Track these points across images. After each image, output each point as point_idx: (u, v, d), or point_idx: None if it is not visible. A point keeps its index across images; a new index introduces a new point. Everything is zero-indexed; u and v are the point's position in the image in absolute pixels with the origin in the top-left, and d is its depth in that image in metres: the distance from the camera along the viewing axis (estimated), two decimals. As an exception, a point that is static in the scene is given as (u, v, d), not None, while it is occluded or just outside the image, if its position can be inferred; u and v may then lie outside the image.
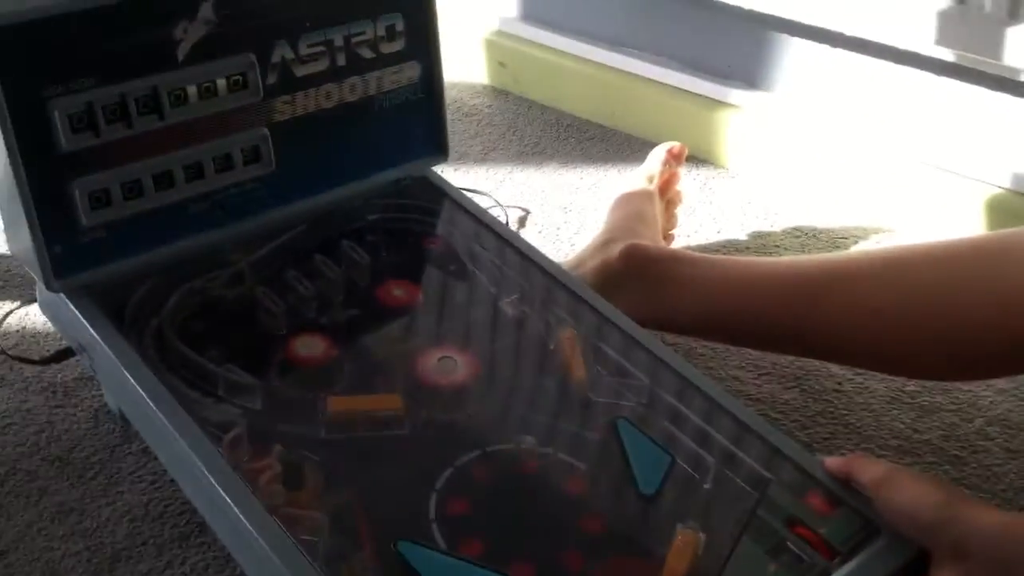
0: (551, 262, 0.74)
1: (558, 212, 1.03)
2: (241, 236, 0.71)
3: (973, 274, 0.66)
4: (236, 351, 0.65)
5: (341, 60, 0.72)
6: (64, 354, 0.74)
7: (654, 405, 0.65)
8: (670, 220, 0.94)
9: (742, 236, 1.00)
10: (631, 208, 0.87)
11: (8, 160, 0.61)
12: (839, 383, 0.81)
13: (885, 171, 1.02)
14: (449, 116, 0.80)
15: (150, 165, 0.66)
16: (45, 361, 0.76)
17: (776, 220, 1.02)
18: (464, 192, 0.80)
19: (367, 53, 0.73)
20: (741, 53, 1.11)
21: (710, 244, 0.98)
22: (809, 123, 1.07)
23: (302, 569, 0.52)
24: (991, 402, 0.79)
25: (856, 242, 0.99)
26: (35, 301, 0.77)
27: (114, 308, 0.65)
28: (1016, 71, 0.91)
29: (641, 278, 0.76)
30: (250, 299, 0.69)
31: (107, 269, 0.66)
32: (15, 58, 0.60)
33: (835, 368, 0.82)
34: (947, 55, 0.95)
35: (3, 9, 0.59)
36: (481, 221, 0.77)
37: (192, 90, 0.66)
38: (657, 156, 0.93)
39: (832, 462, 0.60)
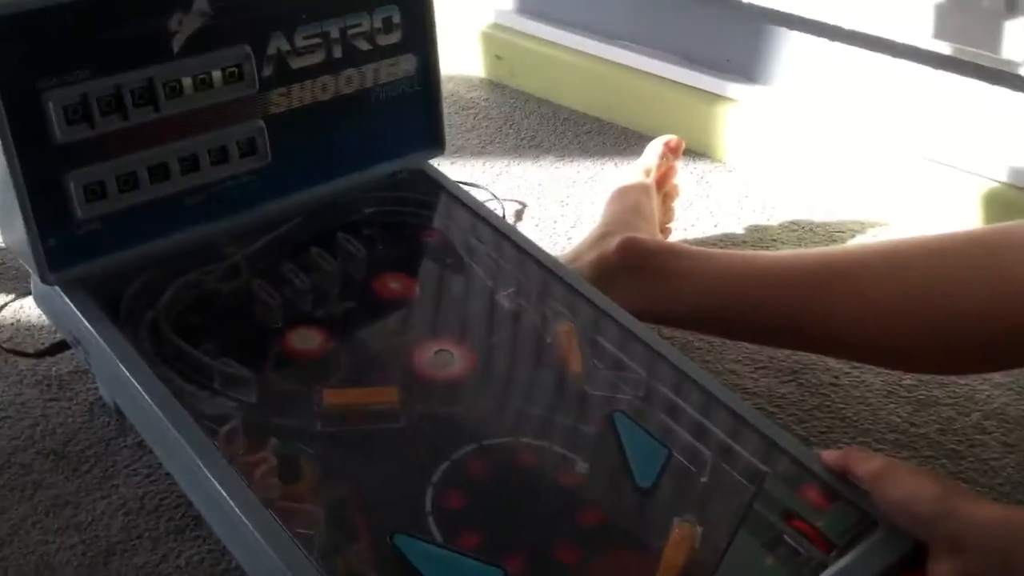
0: (548, 255, 0.74)
1: (555, 205, 1.03)
2: (237, 229, 0.71)
3: (971, 267, 0.66)
4: (232, 344, 0.65)
5: (337, 52, 0.72)
6: (59, 347, 0.74)
7: (651, 398, 0.65)
8: (667, 214, 0.94)
9: (739, 230, 1.00)
10: (628, 202, 0.87)
11: (2, 152, 0.61)
12: (836, 377, 0.81)
13: (882, 165, 1.01)
14: (446, 109, 0.80)
15: (145, 157, 0.66)
16: (40, 354, 0.76)
17: (773, 214, 1.02)
18: (461, 185, 0.80)
19: (363, 45, 0.73)
20: (739, 47, 1.11)
21: (707, 238, 0.98)
22: (807, 117, 1.07)
23: (298, 562, 0.52)
24: (988, 396, 0.79)
25: (853, 236, 0.99)
26: (30, 294, 0.77)
27: (109, 301, 0.65)
28: (1014, 64, 0.91)
29: (638, 271, 0.76)
30: (246, 292, 0.69)
31: (102, 262, 0.66)
32: (9, 50, 0.59)
33: (832, 362, 0.82)
34: (945, 48, 0.95)
35: (-3, 0, 0.59)
36: (478, 214, 0.77)
37: (187, 82, 0.66)
38: (654, 150, 0.92)
39: (829, 456, 0.60)
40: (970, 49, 0.93)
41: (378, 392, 0.65)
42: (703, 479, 0.60)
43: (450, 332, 0.70)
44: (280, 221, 0.73)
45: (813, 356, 0.82)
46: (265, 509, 0.54)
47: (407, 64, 0.76)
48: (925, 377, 0.80)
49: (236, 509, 0.54)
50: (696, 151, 1.11)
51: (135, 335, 0.64)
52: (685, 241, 0.97)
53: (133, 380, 0.61)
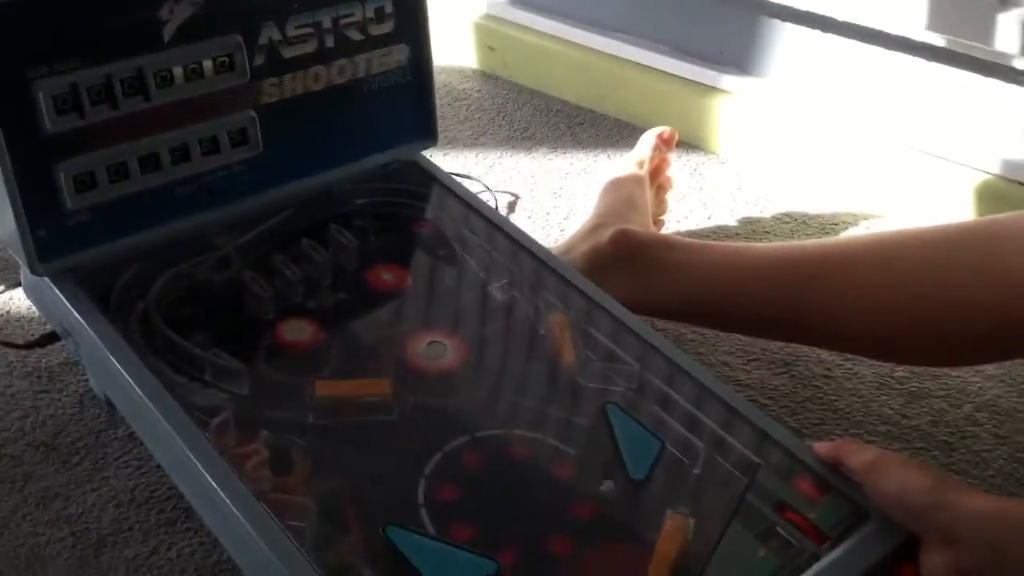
0: (541, 247, 0.74)
1: (548, 197, 1.03)
2: (228, 220, 0.70)
3: (964, 259, 0.66)
4: (223, 336, 0.65)
5: (329, 42, 0.71)
6: (49, 338, 0.74)
7: (644, 390, 0.65)
8: (660, 205, 0.93)
9: (732, 222, 1.00)
10: (621, 193, 0.87)
11: (-9, 142, 0.60)
12: (828, 369, 0.81)
13: (875, 157, 1.01)
14: (438, 100, 0.80)
15: (136, 147, 0.65)
16: (29, 345, 0.75)
17: (766, 206, 1.02)
18: (453, 177, 0.80)
19: (355, 35, 0.73)
20: (733, 38, 1.11)
21: (700, 229, 0.98)
22: (800, 109, 1.07)
23: (289, 555, 0.52)
24: (980, 388, 0.79)
25: (846, 228, 0.99)
26: (19, 285, 0.76)
27: (99, 292, 0.65)
28: (1007, 56, 0.91)
29: (631, 263, 0.76)
30: (237, 283, 0.69)
31: (92, 253, 0.66)
32: (-2, 38, 0.59)
33: (824, 354, 0.82)
34: (938, 40, 0.95)
35: (-15, -12, 0.58)
36: (470, 206, 0.77)
37: (178, 71, 0.65)
38: (647, 141, 0.92)
39: (821, 447, 0.60)
40: (963, 41, 0.93)
41: (370, 384, 0.64)
42: (696, 471, 0.60)
43: (443, 324, 0.70)
44: (272, 212, 0.72)
45: (806, 348, 0.82)
46: (257, 501, 0.54)
47: (399, 54, 0.75)
48: (917, 369, 0.80)
49: (227, 501, 0.54)
50: (689, 143, 1.11)
51: (125, 326, 0.64)
52: (678, 233, 0.97)
53: (123, 372, 0.60)
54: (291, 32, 0.69)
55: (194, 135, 0.67)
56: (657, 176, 0.92)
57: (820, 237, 0.97)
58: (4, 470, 0.69)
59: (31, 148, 0.62)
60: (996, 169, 0.95)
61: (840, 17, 1.00)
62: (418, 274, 0.74)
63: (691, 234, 0.97)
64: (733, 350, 0.82)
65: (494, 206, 0.95)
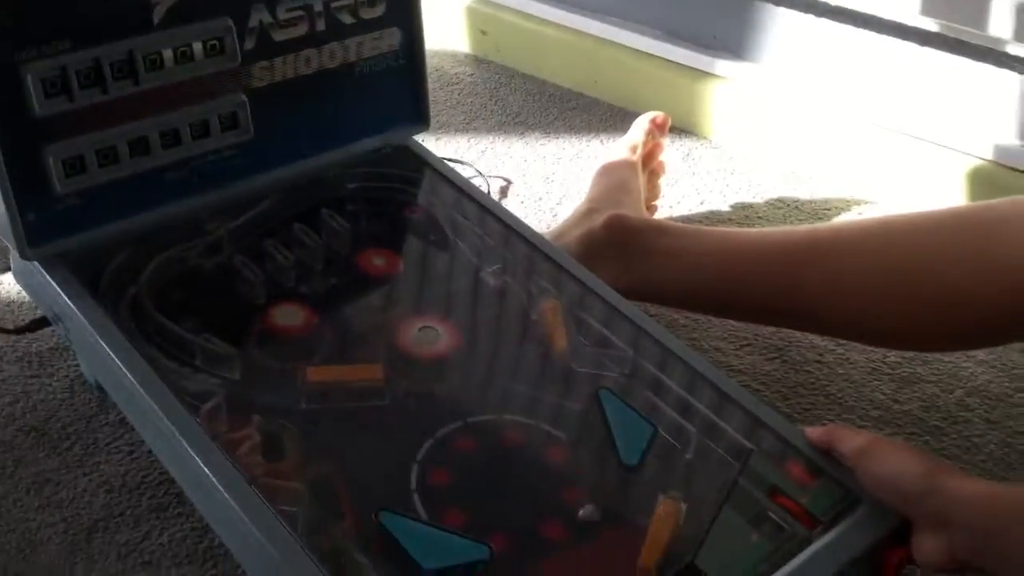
0: (533, 232, 0.74)
1: (540, 182, 1.03)
2: (219, 204, 0.70)
3: (957, 245, 0.66)
4: (214, 321, 0.64)
5: (320, 25, 0.71)
6: (39, 323, 0.73)
7: (637, 376, 0.65)
8: (653, 191, 0.93)
9: (725, 207, 1.00)
10: (614, 178, 0.87)
11: (-20, 126, 0.60)
12: (820, 354, 0.81)
13: (868, 142, 1.01)
14: (430, 85, 0.79)
15: (125, 131, 0.65)
16: (20, 331, 0.75)
17: (759, 191, 1.02)
18: (445, 162, 0.79)
19: (347, 18, 0.72)
20: (726, 23, 1.10)
21: (693, 215, 0.98)
22: (793, 94, 1.06)
23: (282, 540, 0.52)
24: (971, 373, 0.79)
25: (839, 213, 0.99)
26: (9, 270, 0.76)
27: (89, 277, 0.64)
28: (1000, 42, 0.91)
29: (624, 249, 0.76)
30: (228, 268, 0.68)
31: (82, 237, 0.65)
32: (-14, 21, 0.58)
33: (816, 339, 0.82)
34: (932, 25, 0.95)
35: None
36: (463, 190, 0.76)
37: (168, 54, 0.65)
38: (640, 126, 0.92)
39: (813, 432, 0.60)
40: (956, 26, 0.93)
41: (362, 369, 0.64)
42: (688, 456, 0.60)
43: (435, 309, 0.69)
44: (263, 196, 0.72)
45: (798, 333, 0.82)
46: (248, 486, 0.54)
47: (391, 38, 0.75)
48: (909, 354, 0.80)
49: (219, 486, 0.54)
50: (682, 128, 1.11)
51: (116, 311, 0.63)
52: (671, 218, 0.96)
53: (114, 357, 0.60)
54: (282, 15, 0.69)
55: (184, 119, 0.67)
56: (650, 161, 0.92)
57: (812, 223, 0.97)
58: (-6, 456, 0.69)
59: (20, 132, 0.61)
60: (989, 155, 0.95)
61: (833, 2, 1.00)
62: (410, 259, 0.74)
63: (684, 219, 0.97)
64: (725, 335, 0.82)
65: (486, 191, 0.95)
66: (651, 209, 0.92)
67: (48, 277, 0.64)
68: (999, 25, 0.91)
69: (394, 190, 0.77)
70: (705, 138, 1.11)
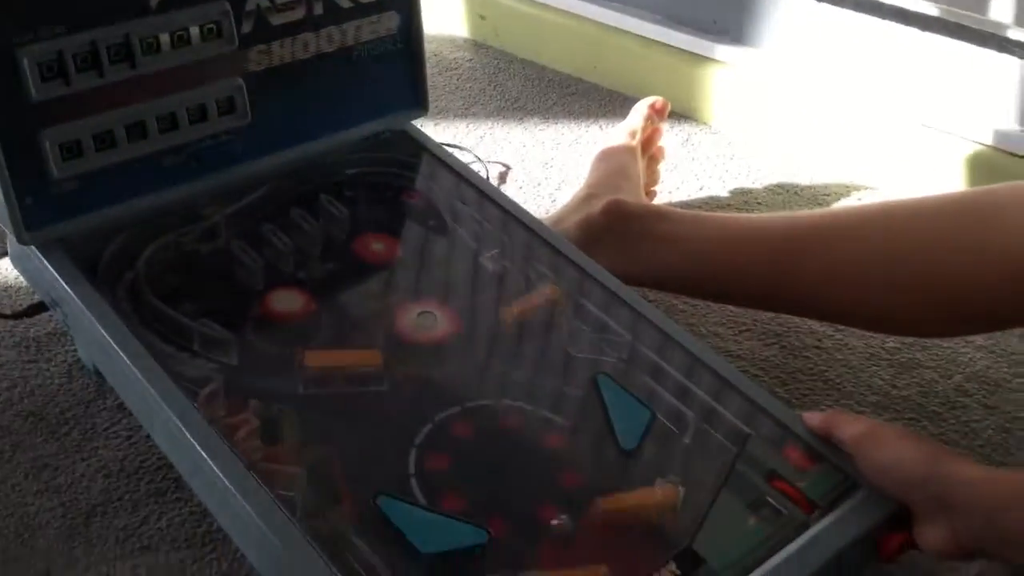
0: (532, 217, 0.74)
1: (539, 167, 1.02)
2: (217, 189, 0.70)
3: (957, 231, 0.66)
4: (212, 306, 0.64)
5: (318, 9, 0.70)
6: (37, 308, 0.73)
7: (635, 361, 0.65)
8: (652, 176, 0.93)
9: (724, 193, 0.99)
10: (613, 164, 0.87)
11: (-24, 110, 0.59)
12: (819, 340, 0.81)
13: (868, 128, 1.01)
14: (429, 70, 0.79)
15: (122, 115, 0.65)
16: (17, 315, 0.75)
17: (758, 177, 1.02)
18: (444, 147, 0.79)
19: (345, 2, 0.72)
20: (726, 8, 1.10)
21: (692, 200, 0.98)
22: (793, 79, 1.06)
23: (280, 524, 0.52)
24: (970, 359, 0.79)
25: (838, 199, 0.99)
26: (6, 255, 0.75)
27: (87, 262, 0.64)
28: (1001, 26, 0.91)
29: (623, 234, 0.76)
30: (226, 253, 0.68)
31: (79, 222, 0.65)
32: (-19, 5, 0.58)
33: (815, 325, 0.82)
34: (932, 10, 0.94)
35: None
36: (461, 176, 0.76)
37: (164, 38, 0.64)
38: (640, 111, 0.92)
39: (812, 418, 0.60)
40: (957, 11, 0.93)
41: (360, 354, 0.64)
42: (686, 440, 0.60)
43: (433, 294, 0.69)
44: (261, 182, 0.72)
45: (796, 319, 0.82)
46: (247, 471, 0.54)
47: (389, 22, 0.74)
48: (908, 340, 0.80)
49: (217, 471, 0.54)
50: (682, 113, 1.10)
51: (113, 296, 0.63)
52: (670, 204, 0.96)
53: (112, 342, 0.60)
54: (279, -1, 0.68)
55: (181, 103, 0.66)
56: (649, 146, 0.92)
57: (812, 208, 0.97)
58: (-7, 440, 0.69)
59: (16, 116, 0.61)
60: (989, 140, 0.95)
61: (834, -14, 0.99)
62: (408, 245, 0.74)
63: (683, 205, 0.97)
64: (724, 321, 0.82)
65: (485, 177, 0.95)
66: (650, 194, 0.92)
67: (45, 262, 0.64)
68: (1000, 10, 0.90)
69: (392, 175, 0.77)
70: (704, 123, 1.11)
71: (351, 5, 0.72)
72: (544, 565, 0.52)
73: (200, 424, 0.56)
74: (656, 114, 0.92)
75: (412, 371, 0.64)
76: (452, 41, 1.28)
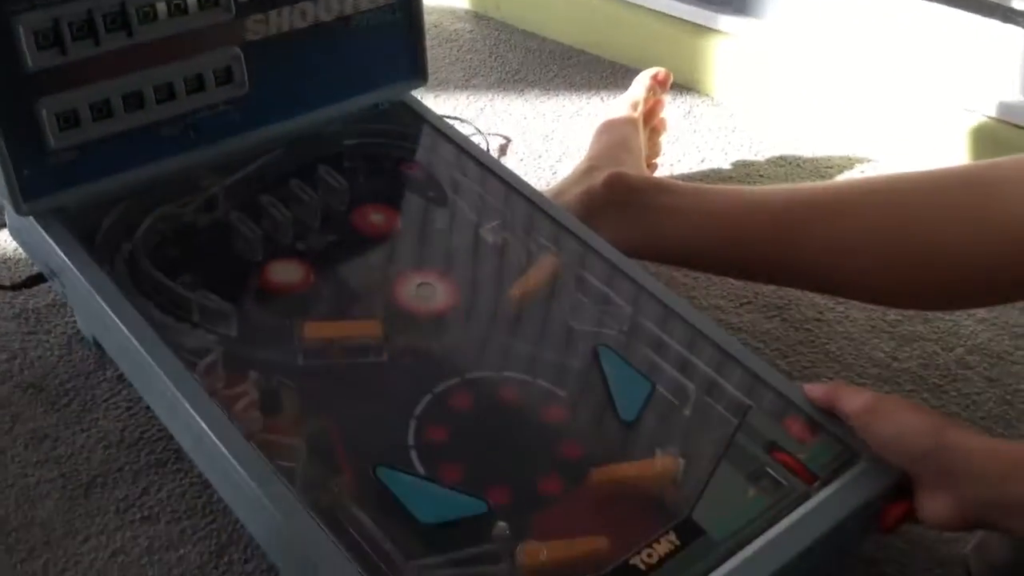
0: (533, 189, 0.73)
1: (540, 140, 1.02)
2: (215, 160, 0.69)
3: (961, 204, 0.65)
4: (211, 277, 0.64)
5: (316, -23, 0.70)
6: (35, 279, 0.73)
7: (636, 333, 0.64)
8: (654, 148, 0.92)
9: (726, 165, 0.99)
10: (615, 136, 0.86)
11: (-29, 79, 0.59)
12: (820, 312, 0.80)
13: (871, 100, 1.00)
14: (429, 41, 0.78)
15: (119, 85, 0.64)
16: (16, 287, 0.75)
17: (761, 149, 1.01)
18: (444, 119, 0.79)
19: (343, -29, 0.71)
20: (728, -22, 1.09)
21: (694, 173, 0.97)
22: (795, 51, 1.05)
23: (279, 495, 0.52)
24: (971, 331, 0.79)
25: (841, 172, 0.98)
26: (4, 226, 0.75)
27: (85, 232, 0.64)
28: (1006, -3, 0.90)
29: (624, 207, 0.75)
30: (225, 224, 0.68)
31: (77, 192, 0.65)
32: (-25, -29, 0.57)
33: (816, 298, 0.81)
34: (937, -20, 0.93)
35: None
36: (461, 147, 0.76)
37: (161, 7, 0.64)
38: (642, 82, 0.91)
39: (814, 390, 0.60)
40: (962, -19, 0.92)
41: (360, 325, 0.64)
42: (686, 412, 0.60)
43: (433, 266, 0.69)
44: (259, 152, 0.71)
45: (797, 292, 0.81)
46: (246, 442, 0.54)
47: (389, -9, 0.74)
48: (909, 312, 0.80)
49: (217, 442, 0.54)
50: (684, 85, 1.09)
51: (112, 267, 0.63)
52: (672, 176, 0.96)
53: (111, 313, 0.60)
54: (277, -34, 0.68)
55: (178, 73, 0.66)
56: (651, 118, 0.91)
57: (814, 181, 0.96)
58: (-7, 412, 0.69)
59: (12, 85, 0.60)
60: (993, 112, 0.94)
61: (838, -44, 0.98)
62: (408, 216, 0.73)
63: (685, 177, 0.96)
64: (725, 293, 0.82)
65: (485, 149, 0.94)
66: (652, 167, 0.91)
67: (43, 233, 0.64)
68: (1006, -20, 0.89)
69: (392, 147, 0.76)
70: (707, 95, 1.10)
71: (350, -27, 0.71)
72: (543, 535, 0.52)
73: (200, 395, 0.56)
74: (658, 85, 0.91)
75: (411, 342, 0.64)
76: (452, 12, 1.27)
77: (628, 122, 0.87)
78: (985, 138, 0.94)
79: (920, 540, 0.63)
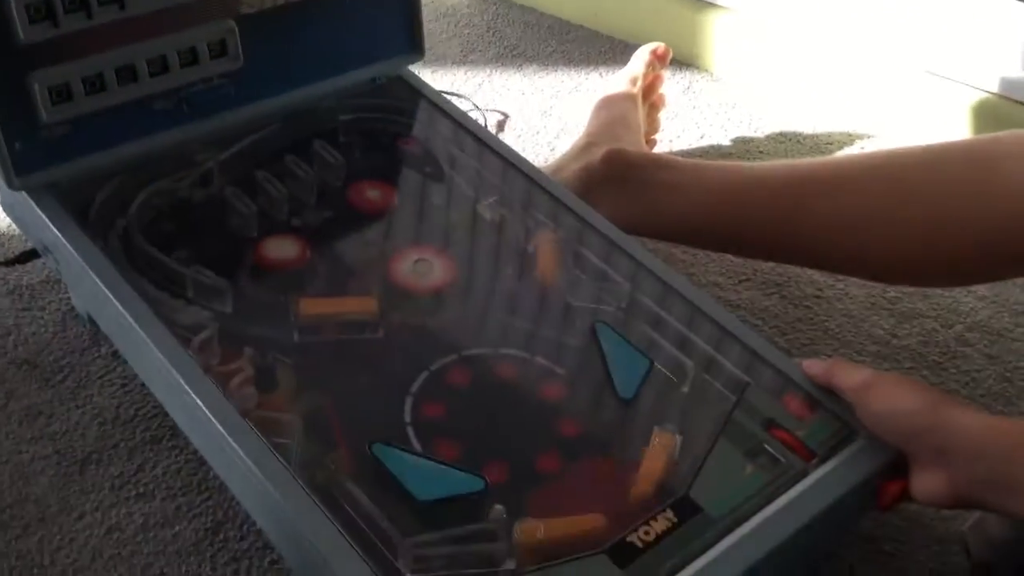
0: (531, 166, 0.73)
1: (538, 116, 1.01)
2: (210, 135, 0.69)
3: (960, 180, 0.65)
4: (205, 253, 0.64)
5: (312, -51, 0.69)
6: (29, 255, 0.72)
7: (634, 309, 0.64)
8: (652, 124, 0.92)
9: (725, 141, 0.98)
10: (613, 112, 0.85)
11: (-38, 52, 0.58)
12: (819, 289, 0.80)
13: (871, 75, 0.99)
14: (426, 16, 0.77)
15: (112, 58, 0.63)
16: (9, 263, 0.74)
17: (760, 125, 1.00)
18: (441, 94, 0.78)
19: (339, -57, 0.70)
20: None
21: (693, 149, 0.97)
22: (796, 26, 1.04)
23: (275, 471, 0.51)
24: (971, 308, 0.79)
25: (840, 148, 0.98)
26: (-2, 202, 0.75)
27: (78, 208, 0.64)
28: (1010, -29, 0.89)
29: (623, 183, 0.75)
30: (219, 200, 0.67)
31: (70, 167, 0.64)
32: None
33: (815, 274, 0.81)
34: (940, -46, 0.92)
35: None
36: (458, 123, 0.75)
37: (154, -21, 0.63)
38: (641, 58, 0.90)
39: (812, 367, 0.59)
40: (965, -45, 0.91)
41: (356, 302, 0.64)
42: (685, 389, 0.60)
43: (430, 242, 0.68)
44: (254, 127, 0.71)
45: (797, 269, 0.81)
46: (242, 419, 0.53)
47: (385, -37, 0.73)
48: (908, 289, 0.80)
49: (212, 419, 0.54)
50: (683, 60, 1.09)
51: (106, 243, 0.63)
52: (671, 152, 0.95)
53: (105, 289, 0.59)
54: (272, -62, 0.67)
55: (172, 46, 0.65)
56: (650, 94, 0.90)
57: (814, 157, 0.96)
58: (-13, 388, 0.69)
59: (4, 58, 0.60)
60: (995, 87, 0.93)
61: (840, -71, 0.97)
62: (404, 192, 0.73)
63: (684, 153, 0.96)
64: (724, 270, 0.82)
65: (483, 124, 0.94)
66: (651, 143, 0.91)
67: (36, 208, 0.63)
68: (1009, -46, 0.88)
69: (389, 121, 0.76)
70: (706, 71, 1.09)
71: (345, -55, 0.70)
72: (540, 513, 0.52)
73: (194, 372, 0.56)
74: (657, 61, 0.90)
75: (408, 319, 0.63)
76: (450, -13, 1.25)
77: (627, 98, 0.87)
78: (986, 114, 0.93)
79: (918, 518, 0.63)
